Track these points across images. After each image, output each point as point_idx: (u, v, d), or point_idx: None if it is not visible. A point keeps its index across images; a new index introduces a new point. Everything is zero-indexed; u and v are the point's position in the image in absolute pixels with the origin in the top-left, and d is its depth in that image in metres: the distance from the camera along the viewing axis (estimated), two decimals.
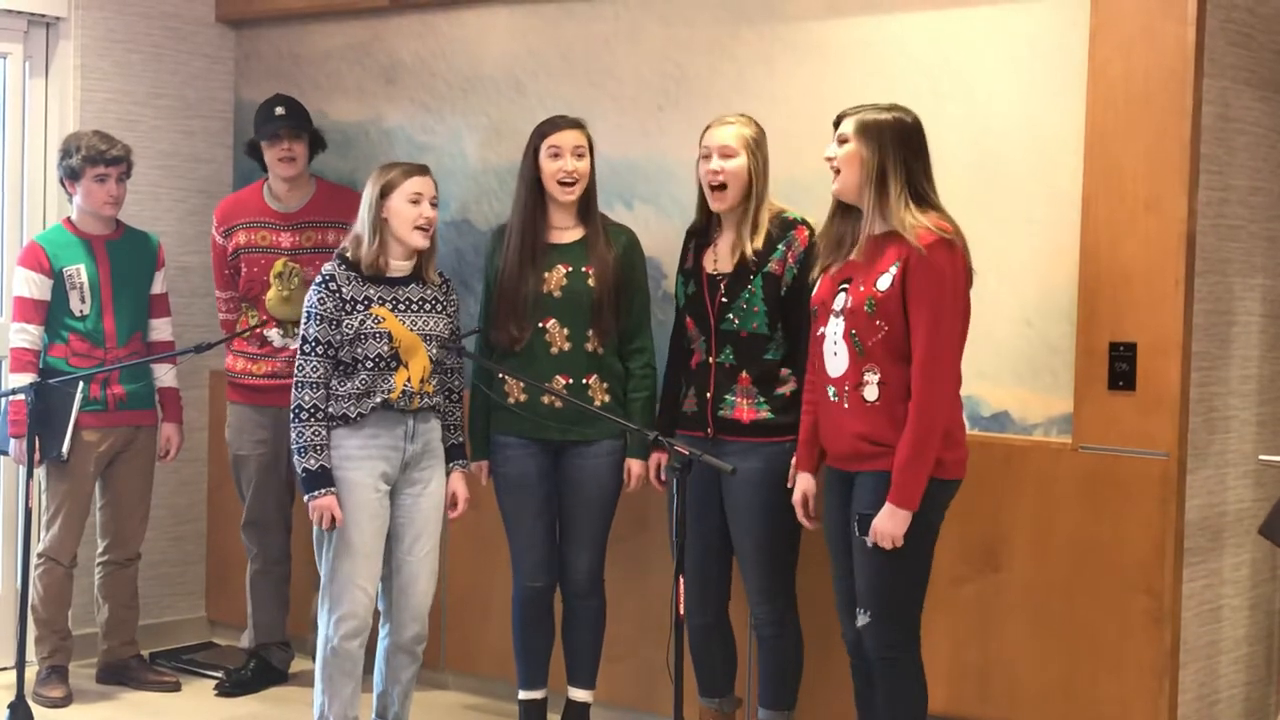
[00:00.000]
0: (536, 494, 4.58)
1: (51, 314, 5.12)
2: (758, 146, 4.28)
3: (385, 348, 4.31)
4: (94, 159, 5.09)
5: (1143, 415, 4.06)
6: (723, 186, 4.26)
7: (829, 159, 3.90)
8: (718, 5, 4.80)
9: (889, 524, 3.77)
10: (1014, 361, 4.29)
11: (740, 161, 4.25)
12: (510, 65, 5.26)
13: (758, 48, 4.72)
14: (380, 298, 4.34)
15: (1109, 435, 4.11)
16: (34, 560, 5.18)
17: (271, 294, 5.26)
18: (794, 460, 4.16)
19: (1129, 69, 4.06)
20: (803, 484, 4.11)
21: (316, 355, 4.32)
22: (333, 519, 4.28)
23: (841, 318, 3.86)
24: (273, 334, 5.26)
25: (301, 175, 5.31)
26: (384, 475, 4.36)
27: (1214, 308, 4.19)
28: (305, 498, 4.33)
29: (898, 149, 3.82)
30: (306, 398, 4.31)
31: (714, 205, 4.29)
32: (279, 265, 5.25)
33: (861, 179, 3.83)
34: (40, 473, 5.14)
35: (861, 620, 3.89)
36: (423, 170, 4.41)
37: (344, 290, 4.32)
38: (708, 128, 4.31)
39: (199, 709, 5.22)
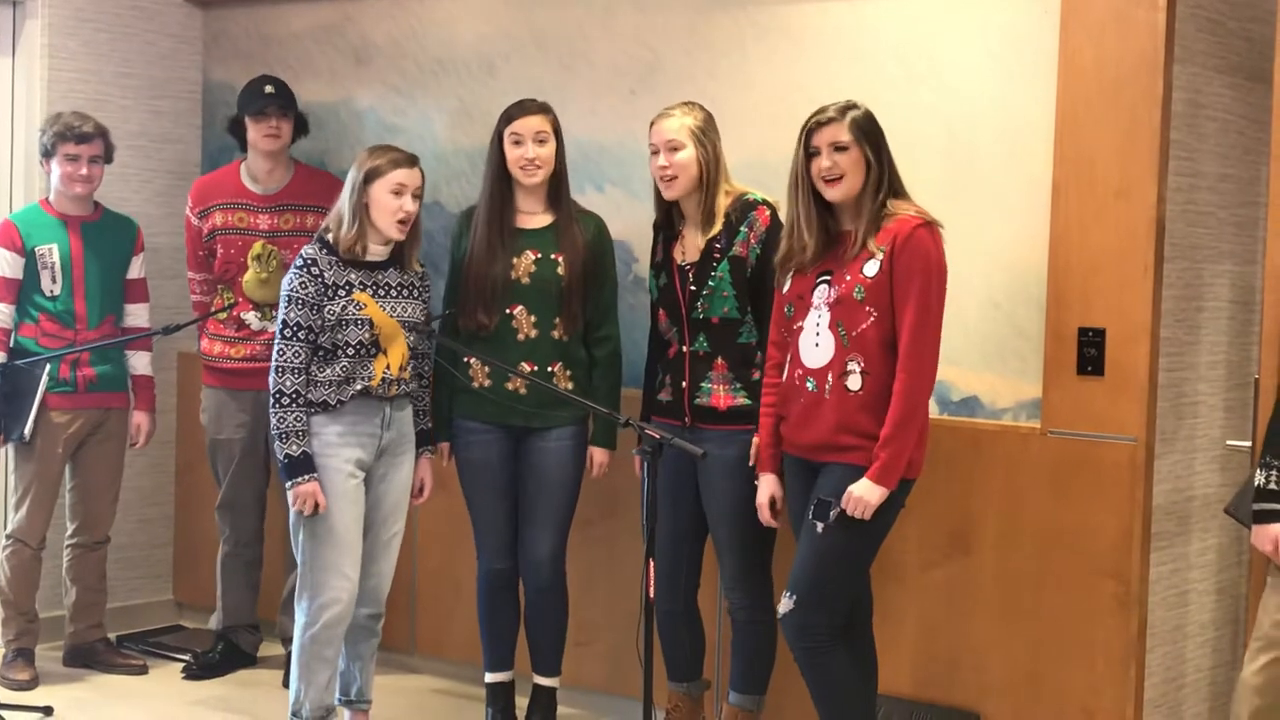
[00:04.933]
0: (499, 479, 4.57)
1: (22, 293, 5.08)
2: (704, 134, 4.27)
3: (366, 334, 4.28)
4: (64, 135, 5.06)
5: (1111, 400, 4.08)
6: (673, 179, 4.26)
7: (828, 170, 3.86)
8: None
9: (865, 493, 3.78)
10: (983, 346, 4.30)
11: (688, 153, 4.25)
12: (482, 47, 5.24)
13: (731, 32, 4.72)
14: (361, 283, 4.32)
15: (1078, 420, 4.13)
16: (1, 542, 5.16)
17: (249, 276, 5.22)
18: (756, 461, 4.15)
19: (1100, 55, 4.07)
20: (770, 486, 4.10)
21: (298, 340, 4.27)
22: (315, 505, 4.26)
23: (826, 309, 3.87)
24: (250, 316, 5.22)
25: (282, 155, 5.28)
26: (359, 462, 4.34)
27: (1183, 294, 4.21)
28: (287, 484, 4.28)
29: (884, 143, 3.86)
30: (288, 383, 4.27)
31: (666, 195, 4.31)
32: (257, 247, 5.21)
33: (865, 180, 3.84)
34: (9, 454, 5.11)
35: (785, 606, 3.89)
36: (410, 162, 4.35)
37: (326, 275, 4.28)
38: (652, 123, 4.30)
39: (166, 692, 5.21)
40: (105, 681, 5.28)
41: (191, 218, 5.33)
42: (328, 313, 4.27)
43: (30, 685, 5.12)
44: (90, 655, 5.37)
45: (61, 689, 5.15)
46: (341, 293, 4.28)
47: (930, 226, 3.82)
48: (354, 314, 4.27)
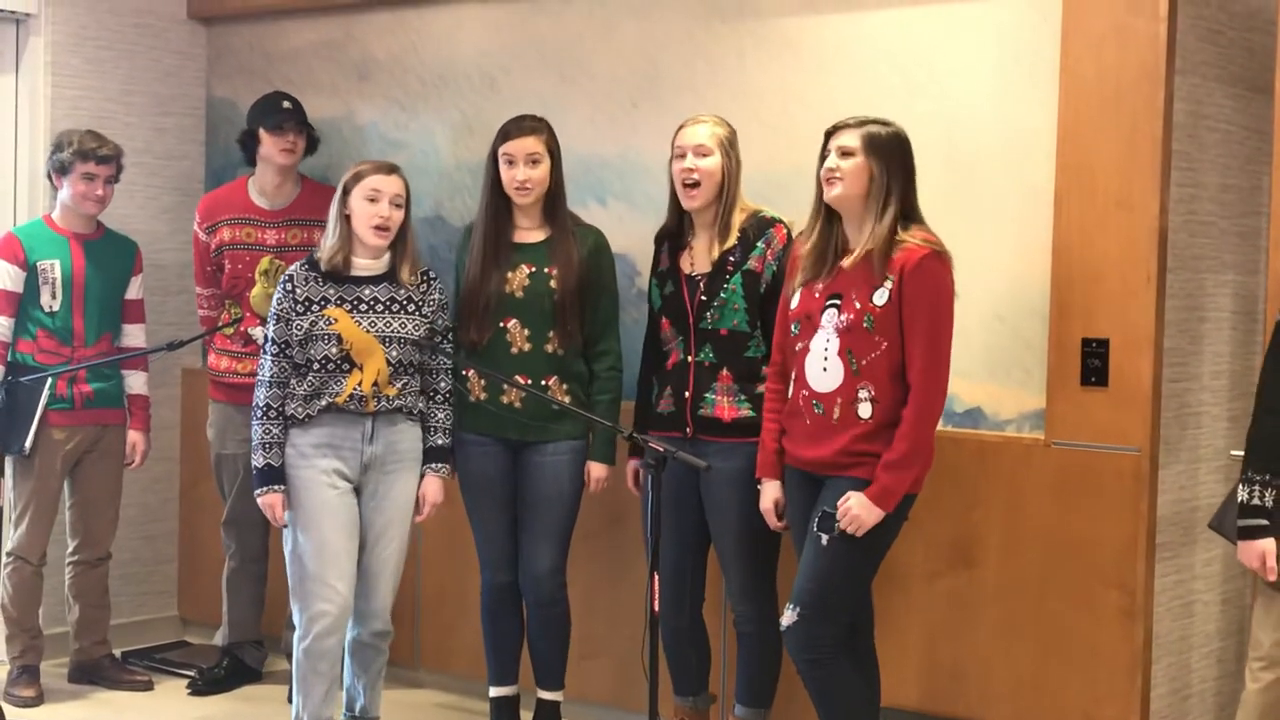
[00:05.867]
0: (498, 491, 4.56)
1: (21, 308, 5.09)
2: (731, 146, 4.28)
3: (334, 349, 4.30)
4: (85, 155, 5.08)
5: (1115, 411, 4.07)
6: (696, 184, 4.25)
7: (830, 170, 3.86)
8: (691, 2, 4.79)
9: (864, 512, 3.78)
10: (986, 357, 4.30)
11: (714, 160, 4.25)
12: (483, 61, 5.25)
13: (731, 44, 4.72)
14: (340, 298, 4.33)
15: (1081, 431, 4.13)
16: (3, 559, 5.16)
17: (257, 291, 5.23)
18: (759, 466, 4.13)
19: (1101, 66, 4.07)
20: (773, 492, 4.09)
21: (272, 355, 4.34)
22: (281, 516, 4.31)
23: (835, 335, 3.85)
24: (256, 332, 5.22)
25: (292, 171, 5.30)
26: (339, 473, 4.35)
27: (1185, 304, 4.21)
28: (254, 493, 4.36)
29: (900, 166, 3.83)
30: (261, 396, 4.34)
31: (686, 203, 4.29)
32: (265, 263, 5.23)
33: (867, 193, 3.82)
34: (7, 471, 5.11)
35: (789, 618, 3.88)
36: (388, 169, 4.38)
37: (298, 291, 4.33)
38: (681, 127, 4.30)
39: (172, 708, 5.20)
40: (110, 698, 5.27)
41: (199, 233, 5.34)
42: (295, 327, 4.31)
43: (35, 702, 5.12)
44: (95, 671, 5.37)
45: (67, 706, 5.15)
46: (315, 308, 4.31)
47: (940, 256, 3.80)
48: (322, 329, 4.29)
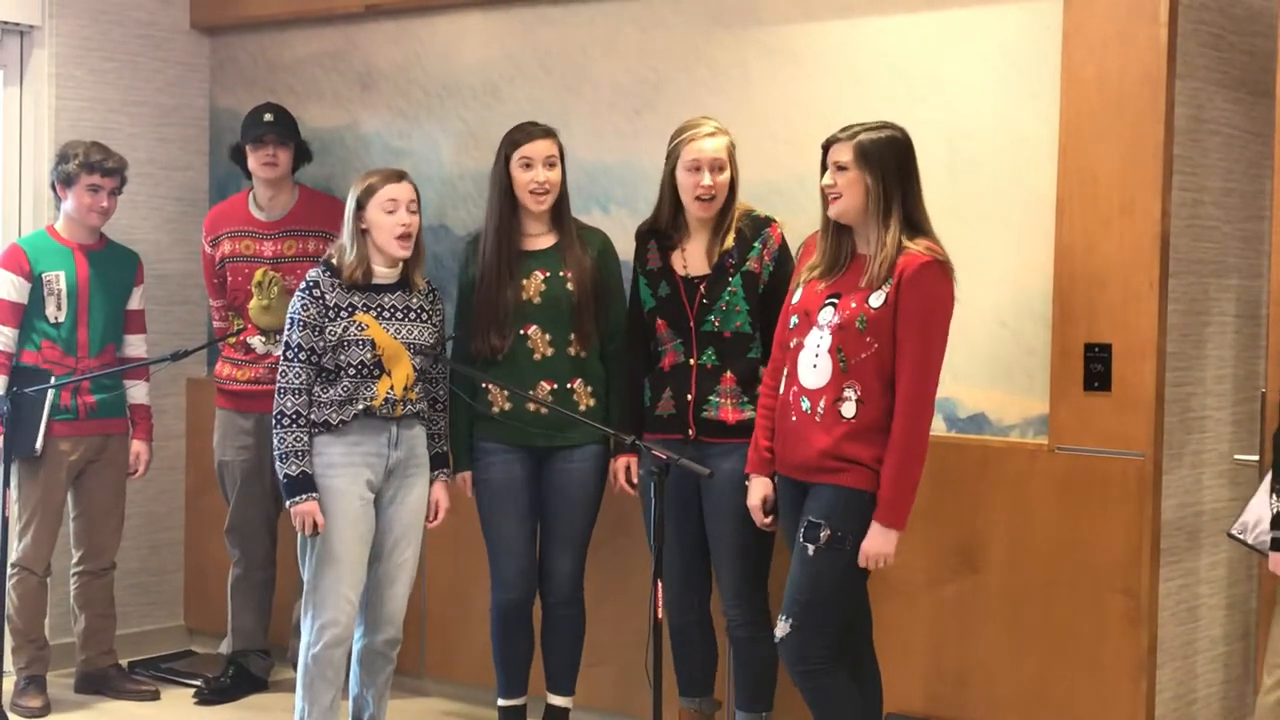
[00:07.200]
0: (519, 500, 4.57)
1: (25, 318, 5.10)
2: (735, 153, 4.29)
3: (368, 355, 4.30)
4: (90, 167, 5.09)
5: (1118, 416, 4.08)
6: (713, 199, 4.26)
7: (828, 187, 3.85)
8: (693, 10, 4.81)
9: (879, 544, 3.77)
10: (990, 363, 4.30)
11: (727, 174, 4.26)
12: (486, 71, 5.26)
13: (733, 52, 4.73)
14: (365, 305, 4.34)
15: (1085, 436, 4.13)
16: (8, 570, 5.16)
17: (253, 303, 5.27)
18: (748, 463, 4.13)
19: (1102, 71, 4.08)
20: (763, 488, 4.08)
21: (299, 361, 4.31)
22: (315, 524, 4.28)
23: (828, 332, 3.85)
24: (255, 341, 5.26)
25: (283, 181, 5.32)
26: (368, 483, 4.35)
27: (1188, 309, 4.21)
28: (287, 503, 4.33)
29: (897, 173, 3.80)
30: (289, 404, 4.30)
31: (700, 213, 4.28)
32: (258, 275, 5.26)
33: (864, 204, 3.80)
34: (13, 482, 5.12)
35: (781, 629, 3.87)
36: (398, 176, 4.38)
37: (327, 297, 4.31)
38: (690, 139, 4.26)
39: (178, 717, 5.21)
40: (117, 708, 5.28)
41: (205, 247, 5.40)
42: (329, 333, 4.29)
43: (42, 712, 5.12)
44: (102, 681, 5.38)
45: (73, 716, 5.16)
46: (344, 314, 4.30)
47: (941, 265, 3.77)
48: (355, 335, 4.29)
